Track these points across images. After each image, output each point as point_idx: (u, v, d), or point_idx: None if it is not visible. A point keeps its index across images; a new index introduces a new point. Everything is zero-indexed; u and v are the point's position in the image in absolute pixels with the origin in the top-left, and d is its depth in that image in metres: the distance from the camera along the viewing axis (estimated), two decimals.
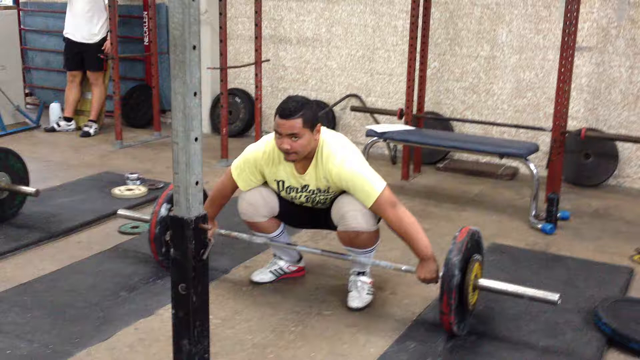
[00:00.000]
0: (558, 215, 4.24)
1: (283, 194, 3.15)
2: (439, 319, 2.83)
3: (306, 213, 3.21)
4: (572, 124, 5.25)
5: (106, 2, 6.15)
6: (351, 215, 2.97)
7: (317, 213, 3.19)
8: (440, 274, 2.82)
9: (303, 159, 3.00)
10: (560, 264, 3.69)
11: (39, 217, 4.20)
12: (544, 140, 5.26)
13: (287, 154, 2.94)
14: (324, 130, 3.04)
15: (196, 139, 1.67)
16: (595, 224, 4.37)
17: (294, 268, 3.45)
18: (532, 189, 4.31)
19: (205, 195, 3.50)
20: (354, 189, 2.94)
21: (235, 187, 3.21)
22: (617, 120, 5.22)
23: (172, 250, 1.72)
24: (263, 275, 3.41)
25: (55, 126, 6.69)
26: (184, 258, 1.71)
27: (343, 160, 2.94)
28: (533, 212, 4.31)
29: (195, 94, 1.64)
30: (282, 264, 3.43)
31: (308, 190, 3.08)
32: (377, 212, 2.95)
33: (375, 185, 2.92)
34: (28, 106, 7.58)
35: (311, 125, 2.91)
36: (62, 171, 5.35)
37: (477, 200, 4.85)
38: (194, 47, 1.61)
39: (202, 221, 1.71)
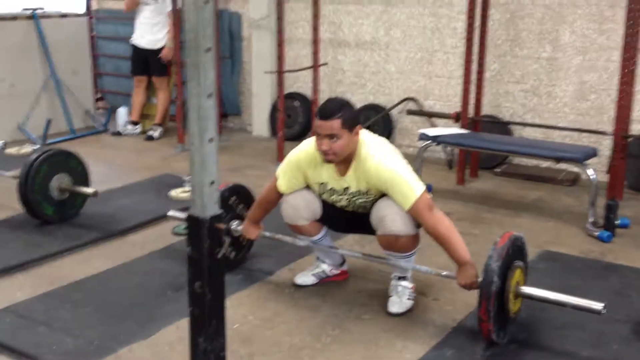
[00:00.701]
0: (617, 222, 4.08)
1: (325, 196, 3.16)
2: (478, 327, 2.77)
3: (347, 217, 3.21)
4: (637, 128, 5.05)
5: (169, 9, 6.34)
6: (390, 218, 2.95)
7: (359, 217, 3.18)
8: (480, 279, 2.76)
9: (343, 161, 3.01)
10: (614, 272, 3.55)
11: (98, 218, 4.36)
12: (608, 145, 5.07)
13: (326, 155, 2.95)
14: (364, 132, 3.04)
15: (210, 140, 1.70)
16: None
17: (336, 272, 3.45)
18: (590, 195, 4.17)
19: (252, 198, 3.57)
20: (392, 190, 2.92)
21: (275, 194, 3.25)
22: None
23: (188, 248, 1.76)
24: (305, 278, 3.43)
25: (122, 130, 6.91)
26: (199, 256, 1.75)
27: (381, 159, 2.94)
28: (591, 219, 4.17)
29: (209, 95, 1.67)
30: (325, 267, 3.43)
31: (349, 193, 3.08)
32: (414, 214, 2.92)
33: (414, 187, 2.90)
34: (99, 110, 7.87)
35: (350, 126, 2.92)
36: (124, 173, 5.52)
37: (533, 206, 4.72)
38: (208, 49, 1.64)
39: (217, 220, 1.74)
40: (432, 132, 4.83)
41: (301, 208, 3.20)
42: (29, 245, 3.90)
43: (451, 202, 4.75)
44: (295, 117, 6.60)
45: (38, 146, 6.11)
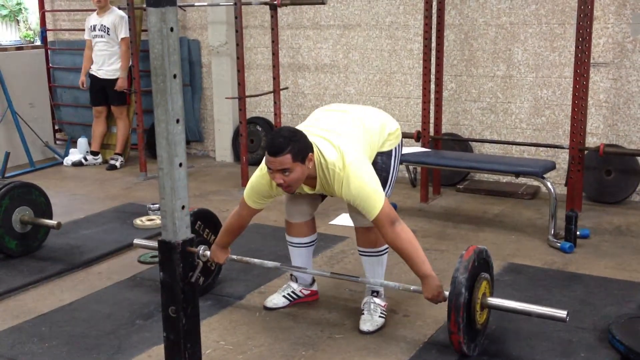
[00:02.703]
0: (578, 233, 4.18)
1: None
2: (449, 340, 2.81)
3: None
4: (592, 141, 5.20)
5: (122, 37, 6.40)
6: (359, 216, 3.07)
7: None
8: (447, 293, 2.80)
9: (307, 180, 3.00)
10: (578, 282, 3.64)
11: (61, 249, 4.30)
12: (565, 158, 5.21)
13: (282, 187, 2.94)
14: (318, 145, 2.96)
15: (180, 165, 1.71)
16: (616, 242, 4.30)
17: (306, 292, 3.47)
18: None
19: (217, 222, 3.57)
20: (357, 205, 2.93)
21: (251, 212, 3.22)
22: (638, 135, 5.15)
23: (160, 273, 1.76)
24: (276, 300, 3.43)
25: (83, 160, 6.85)
26: (172, 281, 1.74)
27: (348, 180, 2.90)
28: (552, 231, 4.26)
29: (177, 120, 1.69)
30: (295, 286, 3.44)
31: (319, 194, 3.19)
32: (377, 227, 2.95)
33: (376, 202, 2.89)
34: (58, 142, 7.79)
35: (302, 158, 2.87)
36: (87, 204, 5.46)
37: (496, 220, 4.81)
38: (175, 76, 1.66)
39: (189, 244, 1.74)
40: None
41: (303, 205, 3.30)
42: None
43: (416, 219, 4.81)
44: (258, 142, 6.63)
45: None
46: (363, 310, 3.21)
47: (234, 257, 3.37)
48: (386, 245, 3.16)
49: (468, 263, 2.79)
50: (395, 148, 3.27)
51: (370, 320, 3.15)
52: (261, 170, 3.07)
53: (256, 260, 3.38)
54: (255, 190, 3.13)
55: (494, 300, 2.88)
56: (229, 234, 3.30)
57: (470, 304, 2.78)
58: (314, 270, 3.43)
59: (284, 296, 3.44)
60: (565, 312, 2.70)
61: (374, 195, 2.91)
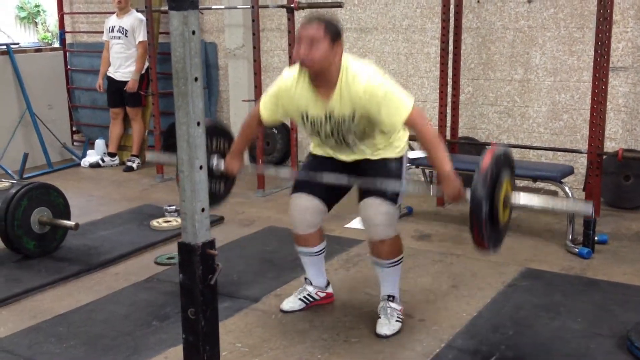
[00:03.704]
0: (596, 238, 4.15)
1: (309, 128, 3.08)
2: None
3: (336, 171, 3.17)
4: (611, 145, 5.16)
5: (140, 40, 6.43)
6: (374, 230, 3.07)
7: (350, 167, 3.15)
8: (468, 199, 2.66)
9: (326, 85, 2.91)
10: (596, 288, 3.61)
11: (79, 250, 4.33)
12: (583, 163, 5.17)
13: (303, 61, 2.84)
14: (347, 56, 2.95)
15: (201, 167, 1.72)
16: (635, 247, 4.26)
17: (322, 294, 3.46)
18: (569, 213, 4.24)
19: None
20: (385, 107, 2.84)
21: (260, 122, 3.20)
22: None
23: (180, 275, 1.77)
24: (292, 303, 3.44)
25: (100, 162, 6.90)
26: (192, 283, 1.75)
27: (370, 78, 2.87)
28: (570, 236, 4.23)
29: (198, 123, 1.70)
30: (311, 289, 3.44)
31: (333, 120, 2.97)
32: (409, 125, 2.90)
33: (406, 101, 2.87)
34: (75, 143, 7.84)
35: (332, 36, 2.83)
36: (104, 205, 5.50)
37: (513, 225, 4.73)
38: (196, 79, 1.67)
39: (209, 247, 1.75)
40: (411, 154, 4.88)
41: (308, 218, 3.24)
42: (10, 280, 3.85)
43: (432, 223, 4.80)
44: (274, 145, 6.64)
45: (15, 181, 6.06)
46: (379, 314, 3.20)
47: (249, 166, 3.33)
48: (400, 257, 3.14)
49: (487, 175, 2.61)
50: (404, 156, 3.21)
51: (388, 325, 3.15)
52: (280, 78, 3.10)
53: (272, 169, 3.37)
54: (273, 93, 3.10)
55: (517, 199, 2.74)
56: (242, 137, 3.29)
57: (493, 212, 2.63)
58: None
59: (299, 299, 3.44)
60: (591, 205, 2.57)
61: (401, 95, 2.88)
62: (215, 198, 3.35)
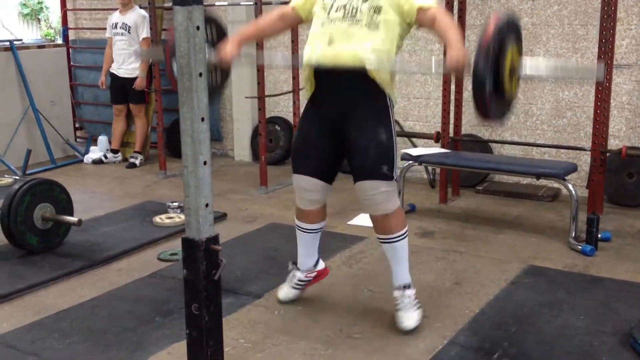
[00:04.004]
0: (599, 236, 4.15)
1: (327, 1, 3.02)
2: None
3: (330, 150, 3.16)
4: (614, 143, 5.15)
5: (143, 37, 6.42)
6: (373, 208, 3.06)
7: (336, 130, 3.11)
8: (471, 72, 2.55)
9: None
10: (599, 285, 3.61)
11: (82, 246, 4.33)
12: (586, 160, 5.17)
13: None
14: None
15: (205, 163, 1.72)
16: (638, 245, 4.25)
17: (312, 275, 3.45)
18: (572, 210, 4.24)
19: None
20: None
21: (291, 17, 3.15)
22: None
23: (184, 271, 1.77)
24: (287, 292, 3.46)
25: (103, 158, 6.90)
26: (195, 278, 1.75)
27: None
28: (573, 234, 4.23)
29: (202, 119, 1.70)
30: (299, 274, 3.44)
31: None
32: (422, 14, 2.88)
33: None
34: (78, 140, 7.85)
35: None
36: (107, 201, 5.50)
37: (516, 222, 4.78)
38: (200, 74, 1.67)
39: (213, 242, 1.75)
40: (414, 152, 4.89)
41: (313, 196, 3.23)
42: (14, 276, 3.86)
43: (435, 220, 4.80)
44: (277, 142, 6.64)
45: (18, 177, 6.07)
46: (398, 308, 3.15)
47: (245, 55, 3.19)
48: (405, 230, 3.12)
49: (488, 49, 2.50)
50: (391, 110, 3.08)
51: (410, 317, 3.12)
52: None
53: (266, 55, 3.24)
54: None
55: (523, 69, 2.63)
56: (254, 27, 3.24)
57: (498, 87, 2.52)
58: None
59: (292, 287, 3.45)
60: (602, 66, 2.47)
61: None
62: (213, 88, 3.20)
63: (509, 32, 2.64)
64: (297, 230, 3.40)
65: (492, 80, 2.50)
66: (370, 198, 3.05)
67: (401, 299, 3.16)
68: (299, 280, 3.44)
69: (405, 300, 3.15)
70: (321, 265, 3.50)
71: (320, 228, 3.37)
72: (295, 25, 3.33)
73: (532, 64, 2.69)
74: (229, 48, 3.04)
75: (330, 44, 2.97)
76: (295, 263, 3.46)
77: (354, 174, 3.08)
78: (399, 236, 3.12)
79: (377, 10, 2.94)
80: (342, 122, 3.07)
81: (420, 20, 2.93)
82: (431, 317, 3.27)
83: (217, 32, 3.13)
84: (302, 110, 3.32)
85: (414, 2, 2.92)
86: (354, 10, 2.96)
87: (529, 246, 4.26)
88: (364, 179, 3.03)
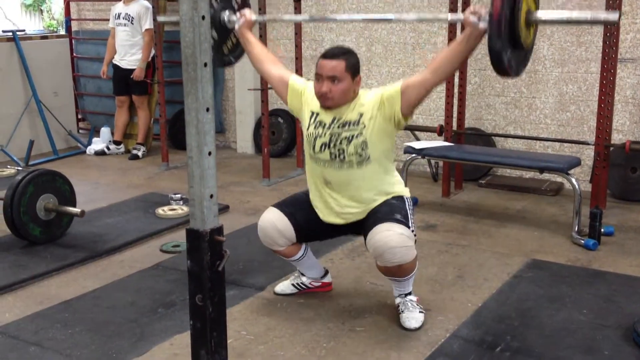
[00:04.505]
0: (602, 230, 4.14)
1: (311, 129, 3.06)
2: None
3: (327, 226, 3.18)
4: (618, 137, 5.14)
5: (146, 28, 6.41)
6: (390, 252, 2.87)
7: (339, 228, 3.18)
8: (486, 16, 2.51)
9: (340, 107, 2.98)
10: (602, 280, 3.60)
11: (85, 237, 4.33)
12: (589, 155, 5.16)
13: (324, 98, 2.92)
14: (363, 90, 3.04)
15: (209, 153, 1.71)
16: None
17: (317, 284, 3.46)
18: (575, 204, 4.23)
19: None
20: (384, 92, 2.93)
21: (284, 77, 3.23)
22: None
23: (188, 262, 1.77)
24: (284, 287, 3.46)
25: (105, 150, 6.90)
26: (199, 269, 1.75)
27: (376, 90, 2.99)
28: (576, 228, 4.22)
29: (207, 109, 1.69)
30: (305, 279, 3.45)
31: (337, 124, 2.98)
32: (409, 83, 2.89)
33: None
34: (81, 131, 7.85)
35: (353, 71, 2.91)
36: (109, 193, 5.50)
37: (519, 216, 4.77)
38: (205, 65, 1.66)
39: (217, 233, 1.74)
40: (417, 145, 4.88)
41: (274, 236, 3.17)
42: (16, 266, 3.86)
43: (437, 214, 4.79)
44: (280, 134, 6.63)
45: (21, 168, 6.07)
46: (401, 310, 3.13)
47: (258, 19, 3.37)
48: (413, 272, 3.05)
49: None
50: (406, 198, 3.12)
51: (414, 317, 3.09)
52: (304, 80, 3.23)
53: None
54: (306, 82, 3.18)
55: (540, 14, 2.57)
56: (261, 47, 3.34)
57: (514, 25, 2.46)
58: None
59: (292, 284, 3.46)
60: (617, 14, 2.44)
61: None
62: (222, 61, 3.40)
63: None
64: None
65: (508, 28, 2.44)
66: (387, 240, 2.86)
67: (403, 304, 3.15)
68: (302, 283, 3.45)
69: (407, 303, 3.14)
70: (328, 278, 3.49)
71: (302, 255, 3.31)
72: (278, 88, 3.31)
73: (550, 16, 2.66)
74: (248, 13, 3.22)
75: (327, 184, 3.09)
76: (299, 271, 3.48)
77: (365, 232, 2.99)
78: (408, 277, 3.06)
79: (364, 145, 2.96)
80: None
81: (409, 92, 2.87)
82: (433, 310, 3.26)
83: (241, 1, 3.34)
84: None
85: (394, 88, 2.91)
86: (341, 154, 2.99)
87: (532, 240, 4.25)
88: (377, 224, 2.93)
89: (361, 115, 2.95)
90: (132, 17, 6.50)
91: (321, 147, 3.03)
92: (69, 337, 3.04)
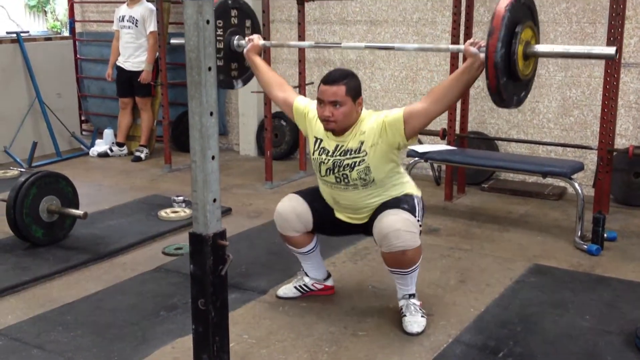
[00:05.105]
0: (605, 235, 4.13)
1: (316, 155, 3.15)
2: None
3: (341, 222, 3.24)
4: (621, 142, 5.13)
5: (150, 30, 6.40)
6: (393, 235, 2.92)
7: (351, 226, 3.23)
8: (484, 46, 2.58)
9: (343, 131, 3.04)
10: (605, 285, 3.59)
11: (87, 239, 4.34)
12: (592, 159, 5.15)
13: (327, 122, 2.98)
14: (365, 110, 3.09)
15: (213, 157, 1.71)
16: None
17: (319, 286, 3.46)
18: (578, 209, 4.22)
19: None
20: (386, 118, 2.98)
21: (289, 100, 3.30)
22: None
23: (190, 266, 1.76)
24: (287, 290, 3.47)
25: (108, 151, 6.90)
26: (202, 274, 1.75)
27: (379, 114, 3.03)
28: (579, 233, 4.21)
29: (211, 113, 1.69)
30: (307, 280, 3.44)
31: (339, 151, 3.05)
32: (411, 114, 2.93)
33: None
34: (84, 132, 7.85)
35: (354, 95, 2.97)
36: (112, 195, 5.50)
37: (521, 220, 4.76)
38: (210, 69, 1.66)
39: (220, 237, 1.74)
40: (420, 148, 4.87)
41: (292, 220, 3.21)
42: (19, 268, 3.86)
43: (440, 218, 4.79)
44: (282, 137, 6.63)
45: (24, 169, 6.08)
46: (404, 313, 3.13)
47: (267, 44, 3.58)
48: (417, 264, 3.06)
49: (502, 23, 2.48)
50: (417, 198, 3.15)
51: (416, 322, 3.09)
52: (309, 101, 3.28)
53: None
54: (310, 103, 3.23)
55: (539, 47, 2.61)
56: (267, 67, 3.48)
57: (510, 57, 2.50)
58: None
59: (295, 287, 3.46)
60: (614, 49, 2.48)
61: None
62: (229, 84, 3.66)
63: (524, 10, 2.59)
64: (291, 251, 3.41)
65: (505, 61, 2.47)
66: (391, 223, 2.93)
67: (406, 307, 3.14)
68: (304, 285, 3.45)
69: (411, 307, 3.14)
70: (330, 282, 3.50)
71: (312, 249, 3.35)
72: (285, 110, 3.41)
73: (548, 50, 2.72)
74: (256, 38, 3.45)
75: (335, 203, 3.18)
76: (303, 270, 3.48)
77: (373, 224, 3.05)
78: (412, 269, 3.07)
79: (367, 171, 3.03)
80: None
81: (412, 121, 2.92)
82: (436, 315, 3.26)
83: (252, 27, 3.67)
84: None
85: (396, 115, 2.95)
86: (345, 179, 3.07)
87: (535, 245, 4.24)
88: (382, 212, 3.01)
89: (362, 143, 3.03)
90: (137, 20, 6.50)
91: (326, 171, 3.13)
92: (71, 340, 3.04)
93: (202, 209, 1.72)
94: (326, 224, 3.26)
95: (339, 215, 3.24)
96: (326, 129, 3.05)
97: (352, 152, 3.04)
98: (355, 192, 3.10)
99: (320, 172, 3.15)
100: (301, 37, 5.66)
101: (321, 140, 3.12)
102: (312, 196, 3.27)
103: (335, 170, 3.08)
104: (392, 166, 3.10)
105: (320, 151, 3.13)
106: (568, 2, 5.29)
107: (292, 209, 3.21)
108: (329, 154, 3.09)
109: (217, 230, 1.75)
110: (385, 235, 2.94)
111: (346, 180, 3.08)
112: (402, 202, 3.06)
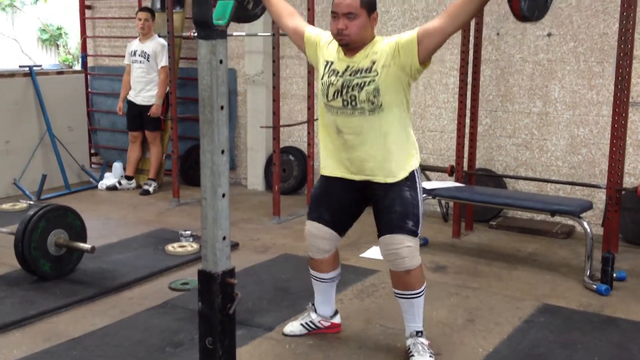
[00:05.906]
0: (614, 275, 4.10)
1: (325, 78, 3.06)
2: None
3: (343, 195, 3.19)
4: (630, 181, 5.13)
5: (161, 65, 6.48)
6: (400, 262, 3.01)
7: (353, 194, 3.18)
8: None
9: (355, 50, 2.99)
10: (614, 326, 3.56)
11: (94, 273, 4.33)
12: (601, 198, 5.13)
13: (340, 35, 2.93)
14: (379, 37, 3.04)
15: (223, 195, 1.72)
16: None
17: (326, 323, 3.44)
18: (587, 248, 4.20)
19: None
20: (399, 40, 2.90)
21: (299, 30, 3.23)
22: None
23: (199, 304, 1.76)
24: (293, 327, 3.44)
25: (117, 185, 6.93)
26: (210, 312, 1.74)
27: (391, 37, 2.98)
28: (588, 272, 4.18)
29: (222, 151, 1.70)
30: (314, 316, 3.43)
31: (350, 71, 2.98)
32: (428, 35, 2.84)
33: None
34: (93, 165, 7.90)
35: (369, 8, 2.92)
36: (120, 228, 5.51)
37: (530, 259, 4.74)
38: (222, 107, 1.68)
39: (229, 275, 1.74)
40: (428, 185, 4.88)
41: (319, 244, 3.24)
42: (25, 302, 3.86)
43: (448, 255, 4.77)
44: (290, 171, 6.65)
45: (32, 202, 6.10)
46: (412, 352, 3.11)
47: None
48: (424, 287, 3.08)
49: None
50: (416, 172, 3.12)
51: None
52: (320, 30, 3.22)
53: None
54: (321, 31, 3.19)
55: None
56: (277, 1, 3.33)
57: None
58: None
59: (302, 324, 3.44)
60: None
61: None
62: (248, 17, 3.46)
63: None
64: (312, 279, 3.41)
65: None
66: (395, 252, 3.02)
67: (414, 346, 3.12)
68: (311, 322, 3.44)
69: (418, 346, 3.11)
70: (337, 319, 3.49)
71: (333, 278, 3.36)
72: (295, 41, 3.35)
73: None
74: None
75: (339, 133, 3.08)
76: (313, 304, 3.47)
77: (379, 228, 3.09)
78: (417, 293, 3.09)
79: (375, 93, 2.95)
80: (367, 182, 3.12)
81: (426, 40, 2.85)
82: (444, 354, 3.23)
83: None
84: (316, 140, 3.35)
85: (410, 36, 2.89)
86: (353, 101, 2.99)
87: (544, 284, 4.21)
88: (390, 233, 3.03)
89: (374, 62, 2.95)
90: (148, 55, 6.58)
91: (334, 94, 3.02)
92: None
93: (211, 246, 1.72)
94: (339, 213, 3.20)
95: (337, 171, 3.14)
96: (340, 44, 2.98)
97: (363, 72, 2.95)
98: (361, 119, 2.98)
99: (327, 96, 3.04)
100: (310, 72, 5.71)
101: (332, 63, 3.05)
102: (317, 207, 3.23)
103: (344, 92, 2.99)
104: (402, 99, 2.99)
105: (330, 73, 3.04)
106: (576, 42, 5.33)
107: (312, 236, 3.24)
108: (339, 74, 3.00)
109: (226, 268, 1.75)
110: (392, 260, 3.05)
111: (353, 103, 2.97)
112: (408, 214, 3.01)
